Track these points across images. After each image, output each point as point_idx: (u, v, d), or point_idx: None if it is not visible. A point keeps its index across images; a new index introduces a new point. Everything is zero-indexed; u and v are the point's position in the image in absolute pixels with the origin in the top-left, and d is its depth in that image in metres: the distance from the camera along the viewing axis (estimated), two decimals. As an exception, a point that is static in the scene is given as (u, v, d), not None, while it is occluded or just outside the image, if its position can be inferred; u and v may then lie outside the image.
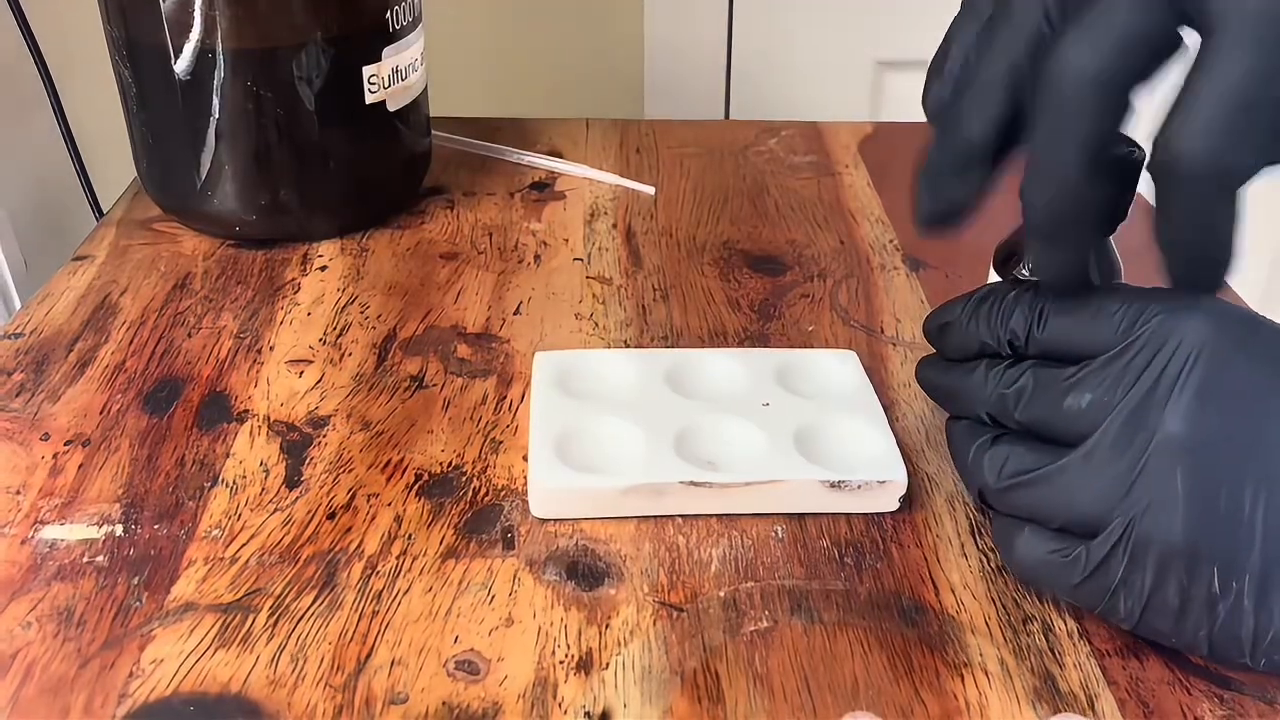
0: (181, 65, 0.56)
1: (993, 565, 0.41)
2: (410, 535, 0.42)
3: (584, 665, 0.36)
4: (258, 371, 0.51)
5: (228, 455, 0.45)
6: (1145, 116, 0.34)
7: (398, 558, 0.41)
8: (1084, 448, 0.35)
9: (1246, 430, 0.33)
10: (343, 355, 0.52)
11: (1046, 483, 0.36)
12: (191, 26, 0.55)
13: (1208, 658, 0.36)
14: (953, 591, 0.40)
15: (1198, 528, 0.33)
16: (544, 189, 0.69)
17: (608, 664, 0.37)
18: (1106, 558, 0.35)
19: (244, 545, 0.41)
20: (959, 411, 0.42)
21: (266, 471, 0.45)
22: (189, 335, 0.53)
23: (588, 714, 0.35)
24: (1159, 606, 0.35)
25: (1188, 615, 0.34)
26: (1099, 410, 0.35)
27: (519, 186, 0.69)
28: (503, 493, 0.44)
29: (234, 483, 0.44)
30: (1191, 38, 0.33)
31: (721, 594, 0.39)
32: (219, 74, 0.56)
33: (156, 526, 0.42)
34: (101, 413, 0.48)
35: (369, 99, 0.60)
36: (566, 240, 0.63)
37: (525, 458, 0.45)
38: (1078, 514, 0.35)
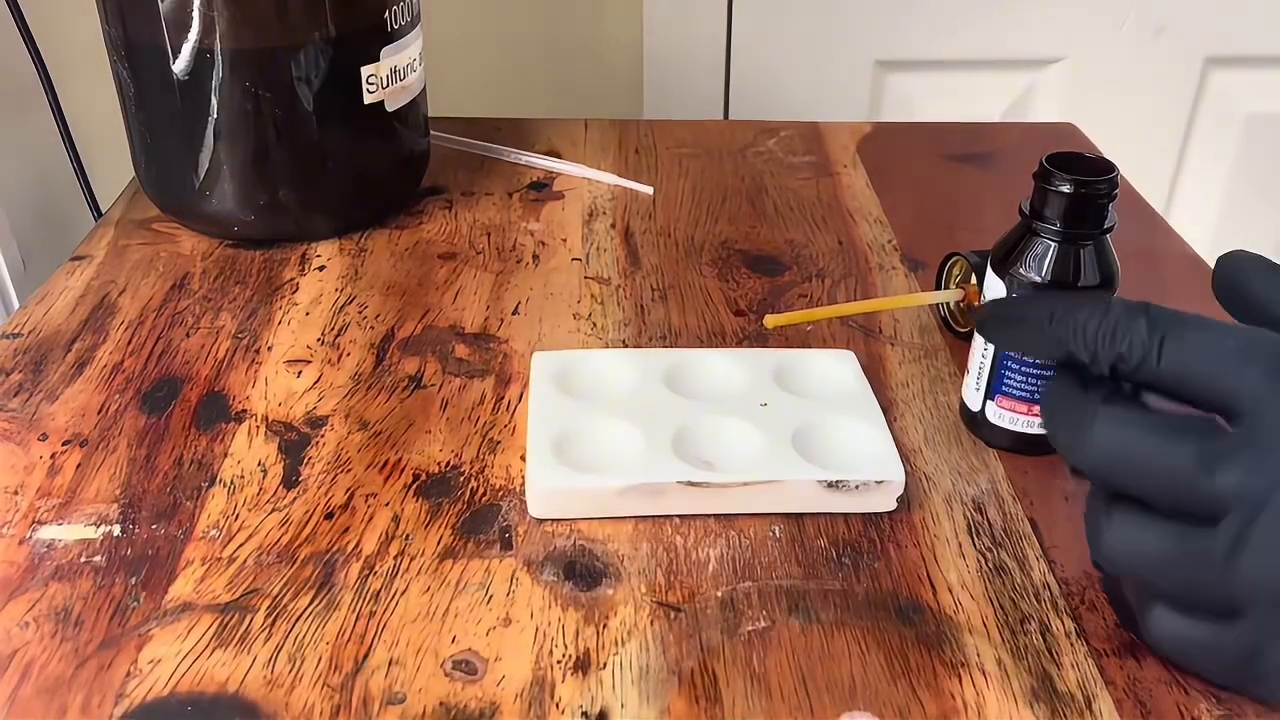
0: (180, 65, 0.56)
1: (990, 565, 0.41)
2: (408, 535, 0.42)
3: (581, 665, 0.36)
4: (256, 371, 0.51)
5: (225, 455, 0.45)
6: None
7: (395, 558, 0.40)
8: (1230, 529, 0.32)
9: None
10: (341, 355, 0.52)
11: (1192, 565, 0.33)
12: (190, 27, 0.55)
13: None
14: (950, 591, 0.40)
15: None
16: (542, 189, 0.69)
17: (605, 664, 0.37)
18: (1260, 646, 0.33)
19: (242, 545, 0.41)
20: (1039, 350, 0.40)
21: (264, 471, 0.45)
22: (187, 335, 0.53)
23: (585, 714, 0.35)
24: None
25: None
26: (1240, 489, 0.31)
27: (517, 186, 0.69)
28: (500, 493, 0.44)
29: (232, 483, 0.44)
30: None
31: (719, 594, 0.39)
32: (217, 74, 0.56)
33: (154, 526, 0.42)
34: (99, 413, 0.48)
35: (367, 99, 0.60)
36: (565, 240, 0.63)
37: (523, 458, 0.45)
38: (1224, 600, 0.33)
